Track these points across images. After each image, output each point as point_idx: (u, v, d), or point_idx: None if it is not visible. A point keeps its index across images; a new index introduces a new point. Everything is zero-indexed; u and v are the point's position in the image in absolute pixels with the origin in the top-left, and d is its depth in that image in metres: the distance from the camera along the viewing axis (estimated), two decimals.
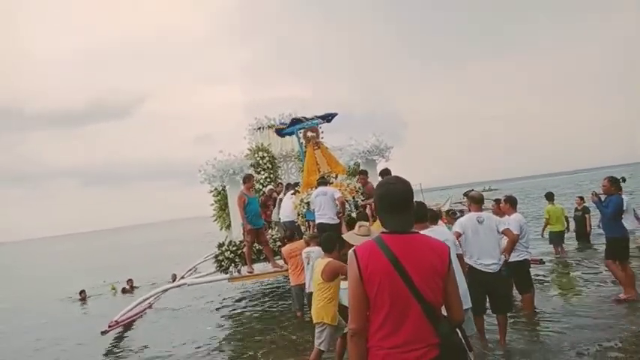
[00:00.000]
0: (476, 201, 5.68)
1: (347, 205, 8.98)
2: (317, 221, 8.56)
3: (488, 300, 5.55)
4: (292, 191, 10.19)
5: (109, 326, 8.71)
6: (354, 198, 9.57)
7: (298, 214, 9.49)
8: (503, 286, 5.59)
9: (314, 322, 5.60)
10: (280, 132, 12.01)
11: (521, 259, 6.57)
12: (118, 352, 7.91)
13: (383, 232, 2.25)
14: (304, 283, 7.84)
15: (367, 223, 5.17)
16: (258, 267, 9.64)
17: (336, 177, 10.28)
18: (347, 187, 9.55)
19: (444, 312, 2.27)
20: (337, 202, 8.43)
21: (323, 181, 8.96)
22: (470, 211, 5.76)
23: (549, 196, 11.88)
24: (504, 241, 5.97)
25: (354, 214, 8.79)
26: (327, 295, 5.51)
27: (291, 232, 8.86)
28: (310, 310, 5.81)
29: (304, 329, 7.31)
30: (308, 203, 9.22)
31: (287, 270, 8.62)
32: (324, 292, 5.54)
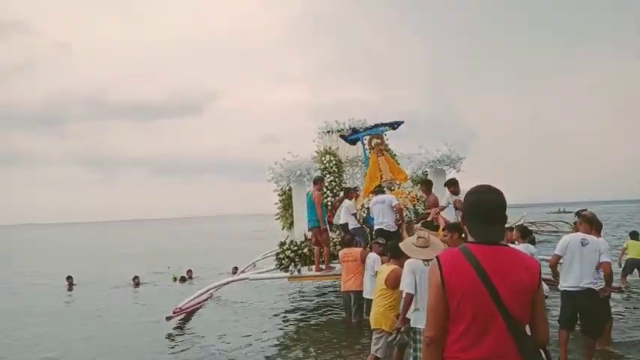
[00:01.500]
0: (588, 221, 5.61)
1: (406, 212, 8.95)
2: (375, 227, 8.67)
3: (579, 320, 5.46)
4: (343, 195, 10.27)
5: (174, 312, 9.12)
6: (414, 206, 9.44)
7: (358, 220, 9.45)
8: (596, 307, 5.35)
9: (372, 328, 5.54)
10: (346, 138, 12.13)
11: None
12: (180, 339, 8.25)
13: (469, 242, 2.17)
14: (355, 289, 7.85)
15: (426, 234, 5.00)
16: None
17: (399, 185, 10.19)
18: (408, 194, 9.48)
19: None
20: (395, 209, 8.50)
21: (380, 190, 9.11)
22: (577, 230, 5.76)
23: (634, 235, 11.53)
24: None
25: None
26: (388, 303, 5.44)
27: (351, 236, 8.79)
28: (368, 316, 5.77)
29: (354, 335, 7.32)
30: (368, 209, 9.23)
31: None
32: (385, 298, 5.47)
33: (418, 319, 4.51)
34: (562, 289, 5.44)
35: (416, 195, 9.43)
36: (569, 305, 5.39)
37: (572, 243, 5.40)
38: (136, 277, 15.30)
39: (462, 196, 8.10)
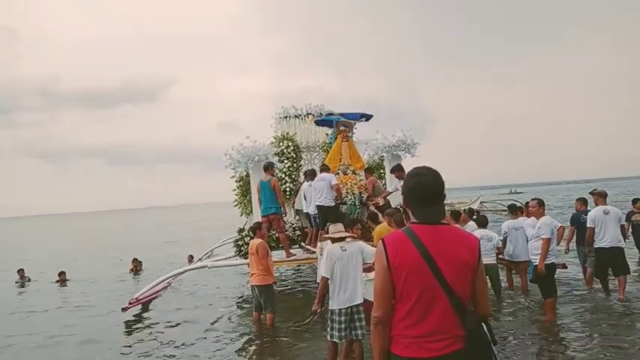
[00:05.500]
0: (602, 196, 7.66)
1: (351, 197, 9.60)
2: (316, 204, 9.04)
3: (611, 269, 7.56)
4: (304, 179, 10.35)
5: (130, 303, 8.91)
6: (360, 194, 9.65)
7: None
8: (620, 256, 7.37)
9: None
10: (319, 121, 12.37)
11: (548, 262, 6.38)
12: (136, 329, 8.09)
13: (412, 223, 2.22)
14: None
15: (341, 226, 5.30)
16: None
17: (354, 171, 10.35)
18: (358, 181, 9.82)
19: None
20: (333, 188, 8.88)
21: (324, 168, 9.51)
22: (597, 205, 7.64)
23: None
24: (539, 243, 6.34)
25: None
26: None
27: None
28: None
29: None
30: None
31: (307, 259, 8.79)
32: None
33: (333, 302, 4.93)
34: (597, 246, 7.38)
35: (365, 184, 9.68)
36: (604, 258, 7.39)
37: (598, 215, 7.37)
38: (62, 273, 14.13)
39: None
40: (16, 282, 14.38)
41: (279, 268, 9.79)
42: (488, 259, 7.53)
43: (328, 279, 4.95)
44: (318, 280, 7.29)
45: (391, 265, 2.12)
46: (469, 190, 73.12)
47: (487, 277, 7.77)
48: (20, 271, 14.73)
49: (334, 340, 4.95)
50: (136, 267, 15.31)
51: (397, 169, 9.08)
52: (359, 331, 4.89)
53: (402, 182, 8.44)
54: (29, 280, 14.58)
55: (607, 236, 7.29)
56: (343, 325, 4.85)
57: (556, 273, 6.77)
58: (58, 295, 12.35)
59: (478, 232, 7.92)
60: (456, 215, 8.30)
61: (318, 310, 5.07)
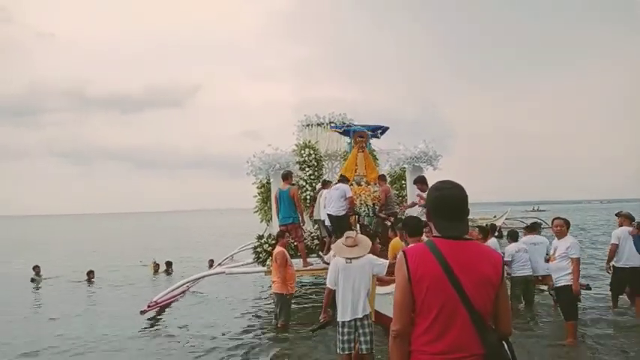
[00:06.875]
0: (628, 217, 8.04)
1: (364, 209, 9.55)
2: (327, 212, 9.06)
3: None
4: (320, 187, 10.35)
5: (149, 306, 9.01)
6: (374, 205, 9.58)
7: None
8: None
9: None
10: (340, 129, 12.29)
11: (568, 283, 6.20)
12: (153, 332, 8.17)
13: (435, 237, 2.19)
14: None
15: (354, 234, 5.19)
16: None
17: (367, 183, 10.32)
18: (372, 193, 9.79)
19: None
20: (346, 200, 8.87)
21: (342, 179, 9.46)
22: (621, 225, 7.99)
23: None
24: (566, 263, 6.20)
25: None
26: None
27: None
28: None
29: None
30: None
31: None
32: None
33: (338, 314, 4.88)
34: (619, 266, 7.72)
35: (378, 196, 9.63)
36: (622, 277, 7.77)
37: (622, 235, 7.72)
38: (90, 272, 14.67)
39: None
40: (32, 279, 14.64)
41: (301, 278, 9.79)
42: (524, 270, 8.18)
43: (332, 290, 4.91)
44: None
45: (412, 277, 2.09)
46: (489, 206, 72.01)
47: (526, 288, 8.25)
48: (36, 268, 15.03)
49: (340, 352, 4.86)
50: (156, 269, 15.62)
51: (420, 181, 8.95)
52: (363, 346, 4.77)
53: (422, 195, 8.56)
54: (42, 277, 14.82)
55: (628, 256, 7.63)
56: (346, 337, 4.79)
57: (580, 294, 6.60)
58: (84, 294, 12.66)
59: (515, 246, 8.34)
60: (484, 231, 8.34)
61: (322, 320, 5.04)
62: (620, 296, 8.12)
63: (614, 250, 7.79)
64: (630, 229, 7.74)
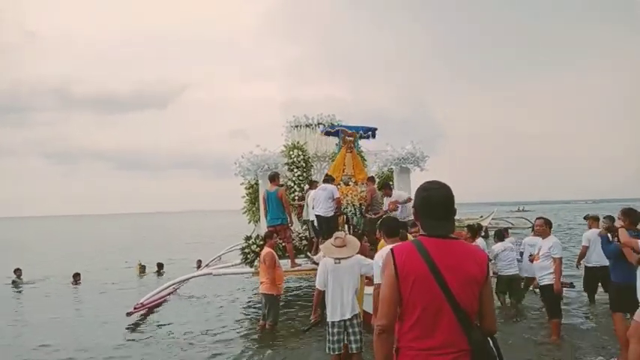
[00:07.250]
0: (597, 220, 8.19)
1: (352, 209, 9.73)
2: (315, 213, 9.09)
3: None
4: (308, 188, 10.45)
5: (135, 308, 8.94)
6: (360, 205, 9.65)
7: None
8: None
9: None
10: (328, 132, 12.26)
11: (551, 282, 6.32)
12: (139, 335, 8.10)
13: (422, 235, 2.24)
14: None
15: (342, 234, 5.22)
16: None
17: (355, 183, 10.38)
18: (359, 193, 9.90)
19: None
20: (334, 201, 8.94)
21: (328, 179, 9.46)
22: (590, 227, 8.28)
23: None
24: (549, 262, 6.29)
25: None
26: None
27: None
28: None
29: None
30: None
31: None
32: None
33: (327, 314, 4.91)
34: (589, 266, 8.19)
35: (364, 196, 9.73)
36: (591, 275, 8.27)
37: (592, 237, 7.85)
38: (76, 274, 14.41)
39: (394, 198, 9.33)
40: (13, 281, 14.40)
41: (287, 279, 9.79)
42: (510, 269, 8.38)
43: (322, 290, 4.94)
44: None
45: (399, 273, 2.14)
46: (475, 207, 72.69)
47: (510, 286, 8.42)
48: (17, 271, 14.76)
49: (330, 352, 4.88)
50: (142, 270, 15.53)
51: (385, 187, 9.58)
52: (353, 345, 4.82)
53: (389, 199, 9.12)
54: (24, 280, 14.56)
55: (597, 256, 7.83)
56: (336, 338, 4.81)
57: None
58: (70, 297, 12.52)
59: (501, 245, 8.50)
60: (473, 231, 8.41)
61: (312, 320, 5.10)
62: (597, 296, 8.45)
63: (584, 252, 8.29)
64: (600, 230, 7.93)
